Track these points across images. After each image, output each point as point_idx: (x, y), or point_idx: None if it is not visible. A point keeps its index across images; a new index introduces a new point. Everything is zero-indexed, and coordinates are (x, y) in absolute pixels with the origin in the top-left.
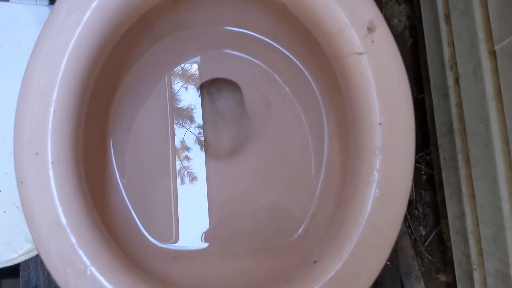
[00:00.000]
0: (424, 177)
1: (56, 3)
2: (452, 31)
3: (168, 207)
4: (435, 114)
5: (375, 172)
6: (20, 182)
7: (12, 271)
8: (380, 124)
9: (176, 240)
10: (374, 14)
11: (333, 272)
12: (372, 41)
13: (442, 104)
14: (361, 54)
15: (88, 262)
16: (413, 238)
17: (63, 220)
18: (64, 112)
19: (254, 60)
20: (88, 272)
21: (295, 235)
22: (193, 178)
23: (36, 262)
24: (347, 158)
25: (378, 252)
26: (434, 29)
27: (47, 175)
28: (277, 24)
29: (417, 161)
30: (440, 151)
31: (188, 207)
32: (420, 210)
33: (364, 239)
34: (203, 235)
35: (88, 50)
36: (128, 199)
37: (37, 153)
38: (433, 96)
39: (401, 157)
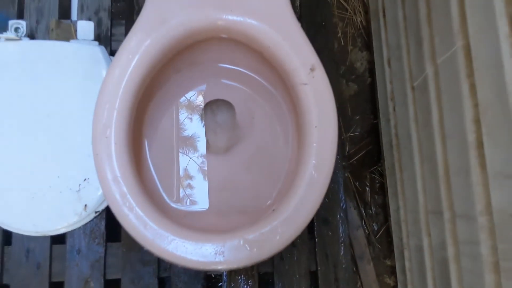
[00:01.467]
0: (377, 184)
1: (120, 49)
2: (391, 72)
3: (182, 183)
4: (382, 134)
5: (313, 157)
6: (95, 155)
7: (61, 238)
8: (316, 127)
9: (186, 204)
10: (314, 59)
11: (284, 214)
12: (313, 77)
13: (386, 126)
14: (306, 84)
15: (134, 204)
16: (367, 232)
17: (120, 177)
18: (122, 114)
19: (243, 87)
20: (134, 210)
21: (267, 203)
22: (199, 166)
23: (79, 232)
24: (299, 149)
25: (313, 202)
26: (381, 70)
27: (111, 150)
28: (258, 64)
29: (372, 172)
30: (386, 162)
31: (195, 184)
32: (373, 210)
33: (305, 194)
34: (205, 202)
35: (138, 78)
36: (156, 174)
37: (106, 137)
38: (381, 121)
39: (328, 144)
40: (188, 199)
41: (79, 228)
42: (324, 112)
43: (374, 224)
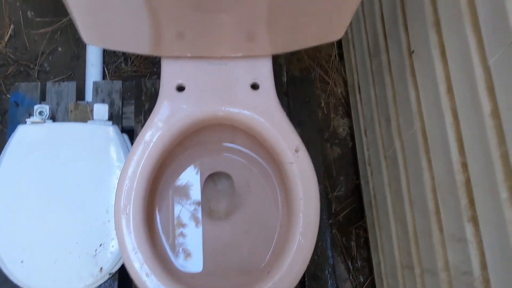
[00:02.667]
0: (362, 239)
1: (137, 138)
2: (368, 141)
3: (185, 246)
4: (363, 195)
5: (300, 225)
6: (117, 228)
7: None
8: (301, 199)
9: (191, 268)
10: (298, 142)
11: (277, 276)
12: (298, 157)
13: (366, 188)
14: (292, 163)
15: (150, 272)
16: (354, 284)
17: (138, 248)
18: (139, 194)
19: (241, 159)
20: (150, 276)
21: (262, 264)
22: (200, 230)
23: None
24: (288, 216)
25: (302, 264)
26: (360, 138)
27: (130, 225)
28: (253, 144)
29: (357, 227)
30: (368, 220)
31: (195, 247)
32: (359, 263)
33: (294, 257)
34: (209, 264)
35: (152, 163)
36: (164, 238)
37: (126, 214)
38: (362, 183)
39: (312, 214)
40: (189, 261)
41: None
42: (308, 187)
43: (360, 277)
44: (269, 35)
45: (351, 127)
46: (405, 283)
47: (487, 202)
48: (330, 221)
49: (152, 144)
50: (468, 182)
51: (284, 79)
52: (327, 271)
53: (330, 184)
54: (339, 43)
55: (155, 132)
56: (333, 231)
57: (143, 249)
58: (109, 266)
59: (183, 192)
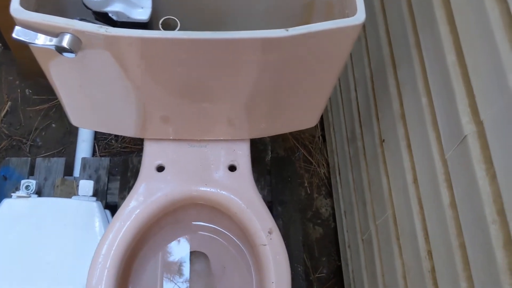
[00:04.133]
0: None
1: (115, 216)
2: (347, 223)
3: None
4: (344, 277)
5: None
6: None
7: None
8: (273, 282)
9: None
10: (272, 224)
11: None
12: (271, 238)
13: (346, 270)
14: (265, 245)
15: None
16: None
17: None
18: (112, 272)
19: (218, 238)
20: None
21: None
22: None
23: None
24: None
25: None
26: (340, 220)
27: None
28: (229, 224)
29: None
30: None
31: None
32: None
33: None
34: None
35: (127, 241)
36: None
37: None
38: (342, 265)
39: None
40: None
41: None
42: (280, 270)
43: None
44: (247, 122)
45: (333, 207)
46: None
47: (449, 284)
48: None
49: (128, 222)
50: (433, 270)
51: (268, 158)
52: None
53: (312, 265)
54: (322, 124)
55: (133, 210)
56: None
57: None
58: None
59: (158, 272)
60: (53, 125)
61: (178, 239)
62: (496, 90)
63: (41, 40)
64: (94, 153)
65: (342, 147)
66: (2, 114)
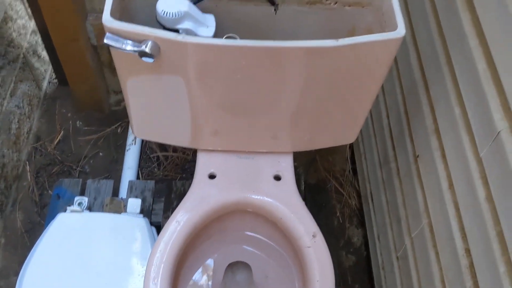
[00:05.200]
0: None
1: (170, 217)
2: (380, 246)
3: None
4: None
5: None
6: None
7: None
8: (318, 281)
9: None
10: (315, 228)
11: None
12: (315, 241)
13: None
14: (309, 247)
15: None
16: None
17: None
18: (167, 267)
19: (259, 252)
20: None
21: None
22: None
23: None
24: None
25: None
26: (373, 244)
27: None
28: (273, 232)
29: None
30: None
31: None
32: None
33: None
34: None
35: (181, 240)
36: None
37: (154, 284)
38: (375, 284)
39: None
40: None
41: None
42: (324, 269)
43: None
44: (290, 136)
45: (365, 237)
46: None
47: (488, 279)
48: None
49: (182, 223)
50: (471, 265)
51: (302, 187)
52: None
53: None
54: (353, 158)
55: (187, 212)
56: None
57: None
58: None
59: (204, 279)
60: (101, 154)
61: (223, 249)
62: None
63: (129, 45)
64: (137, 179)
65: (375, 172)
66: (55, 142)
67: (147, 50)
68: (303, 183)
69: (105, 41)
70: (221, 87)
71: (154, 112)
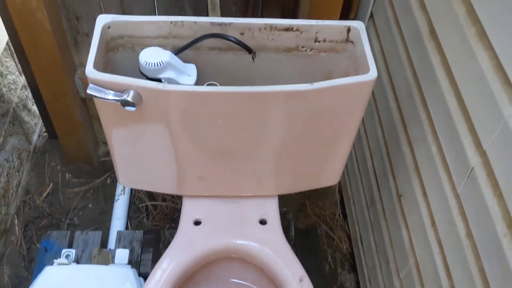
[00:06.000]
0: None
1: (156, 266)
2: None
3: None
4: None
5: None
6: None
7: None
8: None
9: None
10: (302, 272)
11: None
12: (302, 286)
13: None
14: None
15: None
16: None
17: None
18: None
19: None
20: None
21: None
22: None
23: None
24: None
25: None
26: (365, 287)
27: None
28: (259, 278)
29: None
30: None
31: None
32: None
33: None
34: None
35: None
36: None
37: None
38: None
39: None
40: None
41: None
42: None
43: None
44: (274, 179)
45: (357, 282)
46: None
47: None
48: None
49: (168, 271)
50: None
51: (292, 233)
52: None
53: None
54: (342, 203)
55: (172, 260)
56: None
57: None
58: None
59: None
60: (90, 205)
61: None
62: (492, 120)
63: (111, 95)
64: (126, 229)
65: (363, 215)
66: (44, 195)
67: (129, 99)
68: (293, 228)
69: (88, 91)
70: (204, 133)
71: (138, 160)
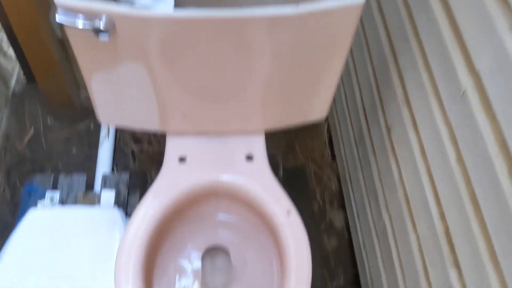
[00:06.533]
0: None
1: (140, 203)
2: (361, 225)
3: None
4: (361, 280)
5: (293, 277)
6: (117, 284)
7: None
8: (293, 257)
9: None
10: (290, 205)
11: None
12: (289, 218)
13: (363, 272)
14: (284, 224)
15: None
16: None
17: None
18: (139, 253)
19: (236, 236)
20: None
21: None
22: None
23: None
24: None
25: None
26: (354, 224)
27: (129, 279)
28: (247, 212)
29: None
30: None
31: None
32: None
33: None
34: None
35: (153, 225)
36: None
37: (126, 269)
38: (359, 268)
39: (305, 270)
40: None
41: None
42: (299, 245)
43: None
44: (260, 113)
45: (346, 219)
46: None
47: (463, 241)
48: None
49: (153, 207)
50: (447, 230)
51: (280, 173)
52: None
53: (329, 275)
54: (331, 143)
55: (157, 196)
56: None
57: None
58: None
59: (181, 266)
60: (74, 151)
61: (199, 235)
62: (486, 39)
63: (81, 22)
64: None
65: (351, 152)
66: (26, 140)
67: (101, 25)
68: (281, 169)
69: (57, 18)
70: (184, 65)
71: (117, 96)
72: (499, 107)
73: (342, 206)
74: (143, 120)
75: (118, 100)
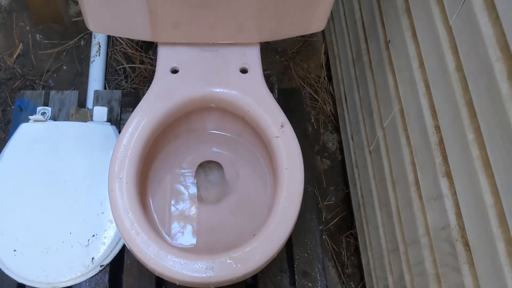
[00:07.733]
0: (353, 247)
1: (134, 111)
2: (354, 144)
3: (177, 225)
4: (352, 198)
5: (284, 191)
6: (110, 191)
7: None
8: (286, 168)
9: (177, 241)
10: (283, 118)
11: (262, 237)
12: (283, 131)
13: (354, 190)
14: (277, 137)
15: (140, 230)
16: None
17: (129, 209)
18: (133, 162)
19: (229, 153)
20: (140, 234)
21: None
22: (191, 213)
23: (85, 285)
24: (274, 188)
25: (286, 226)
26: (347, 144)
27: (123, 188)
28: (241, 127)
29: (347, 236)
30: (357, 222)
31: (187, 227)
32: (350, 270)
33: (279, 220)
34: (196, 240)
35: (147, 134)
36: (157, 218)
37: (120, 178)
38: (350, 187)
39: (297, 181)
40: (181, 237)
41: (85, 281)
42: (292, 157)
43: (351, 283)
44: (255, 24)
45: (340, 142)
46: (391, 268)
47: (457, 150)
48: (320, 227)
49: (146, 117)
50: (441, 141)
51: (276, 95)
52: (317, 268)
53: (321, 194)
54: (328, 65)
55: (150, 107)
56: (324, 237)
57: (135, 210)
58: (101, 257)
59: (175, 178)
60: (64, 67)
61: (193, 149)
62: None
63: None
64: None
65: (348, 72)
66: (15, 56)
67: None
68: (276, 90)
69: None
70: None
71: (107, 3)
72: (502, 6)
73: (336, 129)
74: (133, 28)
75: (108, 5)
